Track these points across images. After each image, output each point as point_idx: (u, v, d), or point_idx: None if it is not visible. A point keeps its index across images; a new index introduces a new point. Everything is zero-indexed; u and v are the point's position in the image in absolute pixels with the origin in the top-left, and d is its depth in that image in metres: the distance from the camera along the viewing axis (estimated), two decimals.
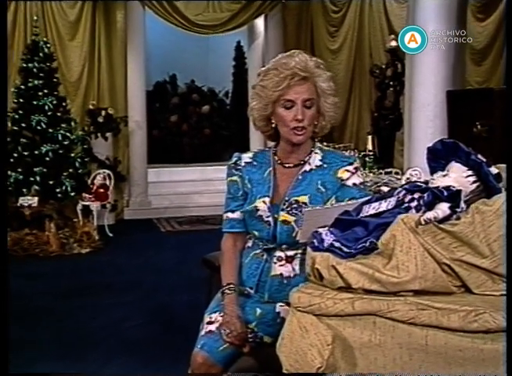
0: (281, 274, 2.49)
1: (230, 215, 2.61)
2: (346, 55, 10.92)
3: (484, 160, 1.88)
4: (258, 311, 2.51)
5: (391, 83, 10.30)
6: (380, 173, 6.59)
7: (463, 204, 1.80)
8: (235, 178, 2.61)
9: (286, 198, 2.49)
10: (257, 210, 2.51)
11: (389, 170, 6.83)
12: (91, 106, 9.55)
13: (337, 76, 10.46)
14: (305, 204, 2.45)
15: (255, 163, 2.61)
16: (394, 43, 9.96)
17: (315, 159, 2.54)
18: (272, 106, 2.48)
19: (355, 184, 2.48)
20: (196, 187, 10.99)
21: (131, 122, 9.98)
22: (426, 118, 6.30)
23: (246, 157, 2.64)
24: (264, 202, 2.50)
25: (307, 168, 2.53)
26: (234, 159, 2.64)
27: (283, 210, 2.48)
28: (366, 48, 10.96)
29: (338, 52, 10.93)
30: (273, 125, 2.52)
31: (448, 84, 6.34)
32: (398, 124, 9.64)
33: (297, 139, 2.47)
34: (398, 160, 9.87)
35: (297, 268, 2.47)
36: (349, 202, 2.17)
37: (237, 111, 12.39)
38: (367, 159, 6.62)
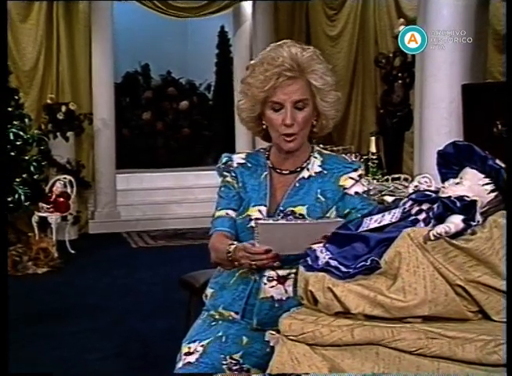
0: (272, 297, 2.49)
1: (231, 212, 2.58)
2: (347, 42, 10.96)
3: (504, 165, 1.90)
4: (245, 339, 2.51)
5: (400, 75, 10.32)
6: (386, 180, 6.61)
7: (478, 217, 1.82)
8: (229, 179, 2.62)
9: (281, 208, 2.51)
10: (251, 220, 2.52)
11: (397, 176, 6.85)
12: (49, 101, 9.54)
13: (337, 66, 10.49)
14: (302, 215, 2.47)
15: (249, 164, 2.63)
16: (403, 28, 10.01)
17: (315, 164, 2.57)
18: (260, 107, 2.51)
19: (357, 193, 2.51)
20: (172, 196, 10.99)
21: (97, 120, 9.98)
22: (440, 116, 6.31)
23: (238, 157, 2.66)
24: (259, 211, 2.52)
25: (305, 174, 2.55)
26: (224, 159, 2.66)
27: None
28: (371, 34, 11.00)
29: (338, 39, 10.96)
30: (264, 127, 2.55)
31: (466, 76, 6.35)
32: (408, 122, 9.66)
33: (288, 146, 2.50)
34: (407, 163, 9.89)
35: (290, 289, 2.47)
36: (314, 221, 2.19)
37: (221, 107, 12.41)
38: (370, 164, 6.64)
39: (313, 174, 2.55)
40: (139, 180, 11.29)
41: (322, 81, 2.48)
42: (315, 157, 2.58)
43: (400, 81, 10.31)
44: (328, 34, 11.00)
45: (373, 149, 6.99)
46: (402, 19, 10.20)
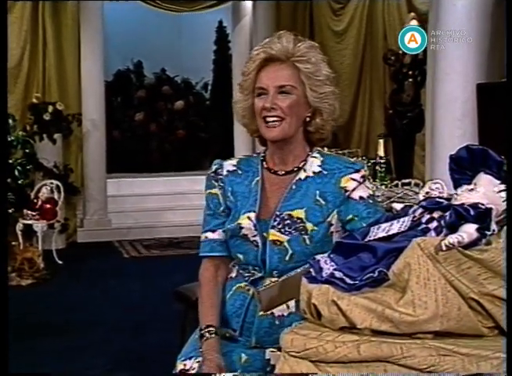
0: (272, 313, 2.48)
1: (210, 235, 2.63)
2: (354, 38, 10.99)
3: None
4: (244, 357, 2.50)
5: (410, 72, 10.34)
6: (396, 185, 6.61)
7: (494, 226, 1.82)
8: (215, 190, 2.64)
9: (278, 212, 2.50)
10: (241, 228, 2.52)
11: (407, 181, 6.85)
12: (34, 100, 9.54)
13: (343, 64, 10.53)
14: (301, 219, 2.47)
15: (240, 171, 2.64)
16: (414, 22, 10.02)
17: (313, 164, 2.56)
18: (251, 96, 2.54)
19: (361, 198, 2.50)
20: (167, 202, 11.00)
21: (86, 121, 9.99)
22: (453, 117, 6.30)
23: (229, 164, 2.67)
24: (249, 218, 2.52)
25: (302, 175, 2.55)
26: (214, 167, 2.68)
27: (273, 227, 2.49)
28: (379, 29, 11.03)
29: (344, 35, 11.00)
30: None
31: (481, 74, 6.34)
32: (419, 123, 9.68)
33: (270, 134, 2.51)
34: (418, 168, 9.91)
35: (291, 304, 2.45)
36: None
37: (219, 108, 12.42)
38: (378, 168, 6.65)
39: (311, 174, 2.55)
40: (131, 185, 11.30)
41: (312, 67, 2.50)
42: (315, 157, 2.58)
43: (410, 80, 10.32)
44: (333, 29, 11.03)
45: (381, 152, 7.00)
46: (412, 14, 10.22)
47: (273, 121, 2.48)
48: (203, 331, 2.50)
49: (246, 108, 2.57)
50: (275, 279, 2.43)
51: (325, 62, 2.54)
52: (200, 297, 2.60)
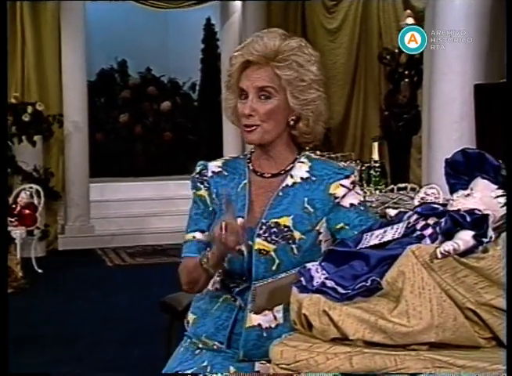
0: (259, 325, 2.46)
1: (198, 235, 2.59)
2: (348, 36, 11.00)
3: None
4: (232, 369, 2.49)
5: (406, 72, 10.37)
6: (391, 190, 6.62)
7: (491, 233, 1.82)
8: (201, 192, 2.62)
9: (263, 220, 2.48)
10: None
11: (403, 185, 6.86)
12: (13, 100, 9.51)
13: (336, 63, 10.54)
14: (288, 227, 2.46)
15: (226, 173, 2.62)
16: (410, 20, 10.06)
17: (301, 170, 2.55)
18: (237, 96, 2.54)
19: (352, 205, 2.48)
20: (152, 208, 10.98)
21: (68, 122, 9.97)
22: (450, 119, 6.32)
23: (214, 165, 2.64)
24: None
25: (289, 181, 2.53)
26: (198, 168, 2.64)
27: (259, 235, 2.47)
28: (374, 28, 11.06)
29: (338, 33, 11.01)
30: None
31: (479, 74, 6.36)
32: (415, 125, 9.71)
33: (248, 138, 2.50)
34: (415, 171, 9.94)
35: (279, 315, 2.45)
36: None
37: (207, 109, 12.42)
38: (372, 172, 6.65)
39: (299, 180, 2.53)
40: (115, 190, 11.28)
41: (293, 72, 2.46)
42: (302, 162, 2.56)
43: (407, 80, 10.36)
44: (326, 27, 11.04)
45: (375, 155, 6.99)
46: (408, 11, 10.25)
47: (251, 125, 2.48)
48: (201, 258, 2.48)
49: (233, 107, 2.57)
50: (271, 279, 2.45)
51: (312, 62, 2.48)
52: (185, 267, 2.60)
